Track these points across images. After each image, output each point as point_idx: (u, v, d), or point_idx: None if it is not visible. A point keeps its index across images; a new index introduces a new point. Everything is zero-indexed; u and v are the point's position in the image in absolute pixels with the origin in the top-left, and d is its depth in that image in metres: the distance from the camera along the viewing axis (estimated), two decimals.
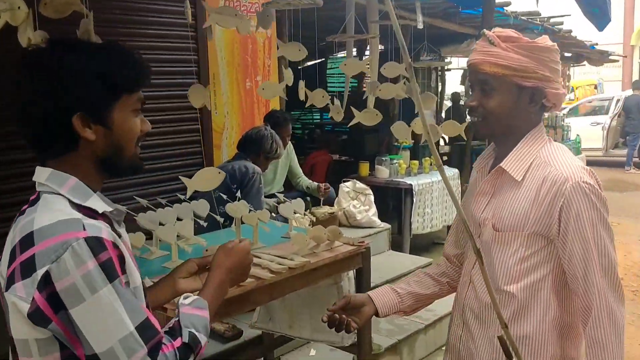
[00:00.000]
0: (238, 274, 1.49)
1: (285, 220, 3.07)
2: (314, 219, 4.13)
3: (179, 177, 1.93)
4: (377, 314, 1.74)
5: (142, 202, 2.61)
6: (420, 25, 5.41)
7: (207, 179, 2.09)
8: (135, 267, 1.24)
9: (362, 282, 2.83)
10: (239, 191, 2.86)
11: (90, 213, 1.18)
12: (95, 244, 1.10)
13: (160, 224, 2.58)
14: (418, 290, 1.80)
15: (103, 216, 1.22)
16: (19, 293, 1.09)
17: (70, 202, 1.18)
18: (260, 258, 2.52)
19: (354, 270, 2.85)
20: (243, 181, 3.56)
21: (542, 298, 1.54)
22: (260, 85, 2.51)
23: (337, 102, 2.78)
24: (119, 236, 1.20)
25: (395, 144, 6.78)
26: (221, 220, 2.85)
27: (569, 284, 1.53)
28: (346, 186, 4.90)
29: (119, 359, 1.10)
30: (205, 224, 2.80)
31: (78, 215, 1.14)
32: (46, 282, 1.07)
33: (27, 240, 1.11)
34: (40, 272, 1.07)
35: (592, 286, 1.45)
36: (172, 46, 4.36)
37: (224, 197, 2.81)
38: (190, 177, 4.18)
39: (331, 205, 4.84)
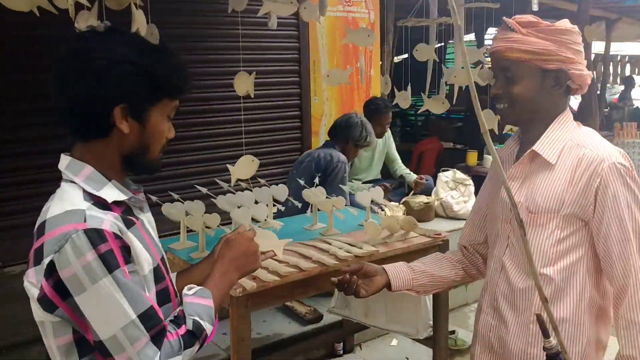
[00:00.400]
0: (243, 262, 1.45)
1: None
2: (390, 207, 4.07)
3: (227, 166, 1.97)
4: (389, 287, 1.73)
5: (223, 186, 2.73)
6: (535, 7, 5.10)
7: (247, 166, 2.12)
8: (152, 252, 1.28)
9: None
10: (316, 178, 2.89)
11: (103, 201, 1.22)
12: (94, 236, 1.13)
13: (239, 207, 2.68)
14: (432, 271, 1.78)
15: (119, 204, 1.25)
16: (30, 278, 1.17)
17: (85, 191, 1.22)
18: (329, 244, 2.55)
19: None
20: (327, 170, 3.57)
21: (578, 280, 1.53)
22: (324, 72, 2.50)
23: (410, 89, 2.70)
24: (129, 226, 1.23)
25: (509, 132, 6.44)
26: (299, 205, 2.90)
27: (602, 266, 1.52)
28: (445, 176, 4.73)
29: (122, 346, 1.14)
30: (283, 209, 2.87)
31: (85, 205, 1.18)
32: (51, 270, 1.13)
33: (41, 229, 1.18)
34: (45, 261, 1.13)
35: (629, 267, 1.45)
36: (274, 34, 4.46)
37: (301, 182, 2.87)
38: (291, 162, 4.31)
39: (429, 195, 4.73)
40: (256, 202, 2.73)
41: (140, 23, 1.61)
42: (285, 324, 3.40)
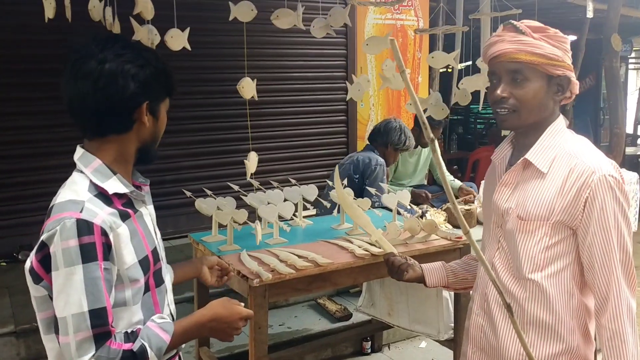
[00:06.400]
0: (221, 328, 1.51)
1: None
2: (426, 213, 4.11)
3: (244, 161, 2.19)
4: (425, 284, 1.92)
5: (254, 184, 2.90)
6: (589, 14, 5.00)
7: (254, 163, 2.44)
8: (143, 243, 1.40)
9: None
10: (345, 179, 3.00)
11: (106, 192, 1.35)
12: (83, 226, 1.26)
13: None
14: (462, 273, 1.91)
15: (120, 196, 1.38)
16: (31, 255, 1.32)
17: (91, 181, 1.35)
18: (351, 243, 2.66)
19: None
20: (365, 172, 3.69)
21: (565, 287, 1.56)
22: (364, 42, 2.59)
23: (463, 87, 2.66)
24: (124, 219, 1.36)
25: None
26: (327, 205, 3.03)
27: (585, 275, 1.55)
28: None
29: (67, 330, 1.25)
30: (312, 208, 3.00)
31: (87, 197, 1.32)
32: (41, 247, 1.28)
33: (49, 212, 1.33)
34: (41, 238, 1.28)
35: (611, 276, 1.48)
36: (321, 41, 4.61)
37: (330, 183, 2.99)
38: (336, 165, 4.45)
39: (472, 202, 4.74)
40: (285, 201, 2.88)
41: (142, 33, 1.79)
42: (315, 320, 3.53)
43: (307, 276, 2.39)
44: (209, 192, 2.81)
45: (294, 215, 2.84)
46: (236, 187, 2.85)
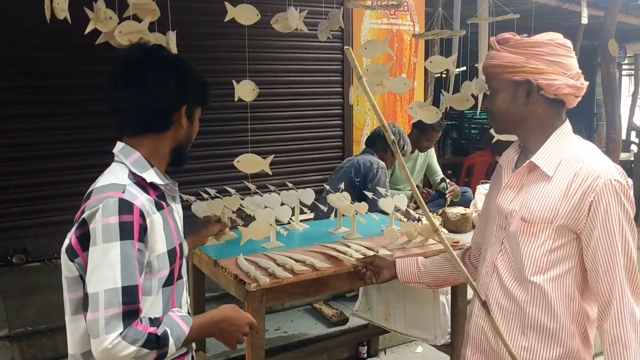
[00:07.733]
0: (230, 330, 1.55)
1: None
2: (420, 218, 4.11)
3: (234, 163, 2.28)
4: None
5: (251, 187, 2.89)
6: (584, 20, 5.04)
7: (251, 163, 2.50)
8: (173, 235, 1.48)
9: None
10: (342, 184, 2.99)
11: (143, 182, 1.44)
12: (124, 205, 1.34)
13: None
14: (436, 272, 2.00)
15: (155, 188, 1.48)
16: (69, 236, 1.39)
17: (130, 171, 1.44)
18: (348, 247, 2.65)
19: None
20: (367, 175, 3.69)
21: (567, 291, 1.57)
22: (362, 45, 2.59)
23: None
24: (159, 209, 1.44)
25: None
26: (324, 209, 3.02)
27: (588, 280, 1.55)
28: (484, 188, 4.73)
29: (97, 306, 1.28)
30: (309, 212, 2.99)
31: (127, 182, 1.40)
32: (81, 224, 1.35)
33: (88, 196, 1.41)
34: (81, 217, 1.36)
35: (614, 282, 1.49)
36: (317, 45, 4.63)
37: (327, 187, 2.98)
38: (333, 169, 4.45)
39: (467, 206, 4.75)
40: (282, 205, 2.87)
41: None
42: (311, 324, 3.52)
43: (304, 280, 2.38)
44: (205, 196, 2.80)
45: (290, 219, 2.84)
46: (233, 191, 2.83)
